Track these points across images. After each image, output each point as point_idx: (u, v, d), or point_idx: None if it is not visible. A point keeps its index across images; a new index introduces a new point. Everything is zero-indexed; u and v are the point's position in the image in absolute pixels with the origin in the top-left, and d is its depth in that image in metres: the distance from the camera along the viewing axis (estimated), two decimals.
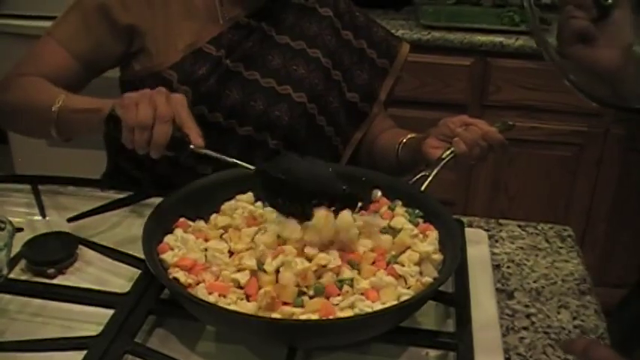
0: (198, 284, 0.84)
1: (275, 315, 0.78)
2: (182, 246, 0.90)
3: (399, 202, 0.99)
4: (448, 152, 1.08)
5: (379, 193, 1.02)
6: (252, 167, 0.96)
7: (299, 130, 1.25)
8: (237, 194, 1.01)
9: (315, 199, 0.88)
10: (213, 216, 0.98)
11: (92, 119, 1.03)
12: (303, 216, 0.88)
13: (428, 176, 1.05)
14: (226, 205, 0.99)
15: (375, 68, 1.34)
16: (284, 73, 1.23)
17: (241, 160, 0.98)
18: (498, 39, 2.16)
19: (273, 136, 1.23)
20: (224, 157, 0.96)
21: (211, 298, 0.81)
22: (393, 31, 2.14)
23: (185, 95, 1.15)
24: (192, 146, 0.94)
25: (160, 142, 0.92)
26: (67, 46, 1.19)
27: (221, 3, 1.22)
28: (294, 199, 0.89)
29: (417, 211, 0.98)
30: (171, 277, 0.84)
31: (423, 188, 1.03)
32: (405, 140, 1.24)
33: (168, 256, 0.87)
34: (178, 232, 0.93)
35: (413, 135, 1.25)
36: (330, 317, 0.78)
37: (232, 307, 0.80)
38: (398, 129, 1.35)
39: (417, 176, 1.06)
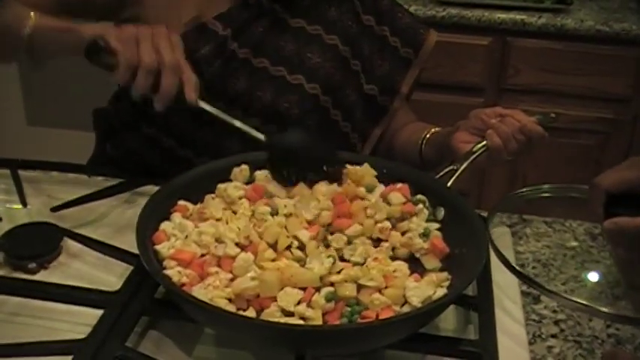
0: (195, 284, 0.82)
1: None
2: (179, 234, 0.87)
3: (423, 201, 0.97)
4: (480, 146, 1.06)
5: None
6: (261, 137, 0.99)
7: (310, 124, 1.21)
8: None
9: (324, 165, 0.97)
10: (208, 196, 0.96)
11: (66, 40, 0.99)
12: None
13: (456, 171, 1.02)
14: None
15: (397, 58, 1.30)
16: (297, 60, 1.20)
17: (245, 154, 1.00)
18: (519, 17, 2.14)
19: (281, 130, 1.19)
20: (232, 119, 0.98)
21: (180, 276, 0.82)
22: (405, 7, 2.13)
23: None
24: (200, 102, 0.96)
25: (169, 93, 0.92)
26: None
27: None
28: (303, 166, 0.96)
29: (440, 208, 0.95)
30: (165, 272, 0.82)
31: (449, 184, 1.00)
32: (428, 135, 1.21)
33: (163, 248, 0.85)
34: (176, 217, 0.91)
35: (437, 129, 1.22)
36: (342, 324, 0.77)
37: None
38: (420, 122, 1.31)
39: (444, 171, 1.02)
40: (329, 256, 0.83)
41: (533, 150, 1.07)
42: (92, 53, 0.95)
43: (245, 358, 0.83)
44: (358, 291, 0.82)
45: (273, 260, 0.83)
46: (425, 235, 0.90)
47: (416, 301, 0.80)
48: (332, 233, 0.90)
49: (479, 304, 0.89)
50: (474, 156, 1.05)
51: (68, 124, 2.55)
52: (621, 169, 0.88)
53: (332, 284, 0.82)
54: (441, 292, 0.82)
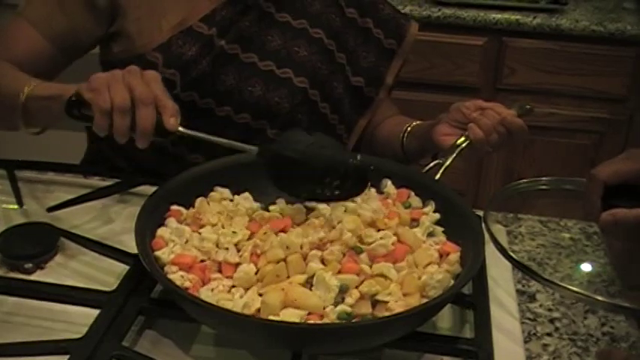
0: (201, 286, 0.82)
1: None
2: (177, 239, 0.87)
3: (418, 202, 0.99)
4: (463, 139, 1.07)
5: (389, 183, 1.00)
6: (253, 148, 0.93)
7: (300, 117, 1.22)
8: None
9: (327, 176, 0.90)
10: (201, 200, 0.95)
11: (53, 107, 0.97)
12: (314, 198, 0.92)
13: (442, 164, 1.04)
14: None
15: (381, 49, 1.31)
16: (284, 54, 1.20)
17: (236, 156, 0.98)
18: (515, 17, 2.15)
19: (273, 125, 1.20)
20: (218, 138, 0.92)
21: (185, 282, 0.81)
22: (400, 7, 2.14)
23: (172, 80, 1.13)
24: (180, 129, 0.90)
25: (147, 128, 0.87)
26: (40, 28, 1.15)
27: None
28: (303, 179, 0.90)
29: (431, 202, 0.97)
30: (167, 277, 0.82)
31: (437, 177, 1.02)
32: (410, 128, 1.23)
33: (163, 254, 0.84)
34: (172, 222, 0.91)
35: (419, 122, 1.24)
36: (339, 322, 0.77)
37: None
38: (402, 116, 1.33)
39: (431, 164, 1.04)
40: (337, 285, 0.80)
41: (513, 142, 1.08)
42: (71, 110, 0.92)
43: (242, 357, 0.83)
44: (374, 306, 0.80)
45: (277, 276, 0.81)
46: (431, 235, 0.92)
47: (435, 294, 0.81)
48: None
49: (474, 302, 0.89)
50: (459, 149, 1.06)
51: (63, 124, 2.55)
52: (619, 160, 0.89)
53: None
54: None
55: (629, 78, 2.16)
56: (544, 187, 1.06)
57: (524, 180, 1.05)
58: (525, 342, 0.88)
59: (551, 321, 0.92)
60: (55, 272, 0.95)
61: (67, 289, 0.88)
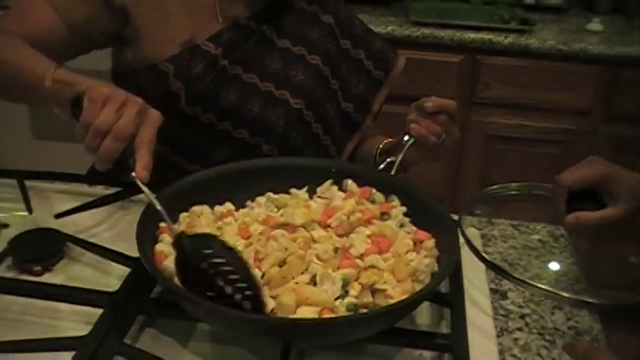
0: None
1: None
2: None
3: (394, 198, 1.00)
4: (407, 138, 1.10)
5: (350, 181, 1.02)
6: (176, 229, 0.84)
7: (295, 136, 1.22)
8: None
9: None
10: (186, 216, 0.93)
11: (64, 92, 0.93)
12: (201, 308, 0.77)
13: (395, 162, 1.07)
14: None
15: (370, 79, 1.32)
16: (283, 77, 1.21)
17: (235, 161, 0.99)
18: (488, 36, 2.16)
19: (268, 141, 1.20)
20: (156, 203, 0.84)
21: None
22: (382, 27, 2.15)
23: (178, 93, 1.13)
24: (133, 174, 0.85)
25: (103, 157, 0.85)
26: (59, 10, 1.12)
27: (220, 0, 1.17)
28: (201, 286, 0.78)
29: (393, 195, 0.99)
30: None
31: (392, 173, 1.06)
32: (381, 146, 1.24)
33: (170, 263, 0.82)
34: (166, 238, 0.88)
35: (389, 140, 1.25)
36: (325, 317, 0.77)
37: None
38: (377, 136, 1.33)
39: (384, 163, 1.07)
40: (341, 278, 0.81)
41: (456, 119, 1.10)
42: (73, 108, 0.89)
43: (236, 352, 0.83)
44: (372, 295, 0.82)
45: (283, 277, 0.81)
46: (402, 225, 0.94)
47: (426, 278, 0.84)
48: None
49: (451, 300, 0.90)
50: (406, 146, 1.09)
51: (71, 137, 2.54)
52: (581, 167, 0.90)
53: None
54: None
55: (593, 93, 2.19)
56: (515, 192, 1.07)
57: (497, 185, 1.06)
58: (498, 337, 0.88)
59: (522, 317, 0.93)
60: (61, 274, 0.95)
61: (72, 290, 0.88)
